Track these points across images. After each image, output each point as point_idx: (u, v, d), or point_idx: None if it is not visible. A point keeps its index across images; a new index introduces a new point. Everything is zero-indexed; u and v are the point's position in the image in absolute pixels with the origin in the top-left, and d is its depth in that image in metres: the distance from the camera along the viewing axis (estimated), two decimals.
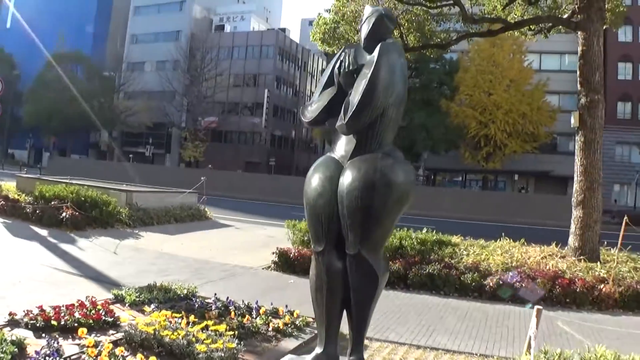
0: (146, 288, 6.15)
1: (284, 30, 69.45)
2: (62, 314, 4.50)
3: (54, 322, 4.39)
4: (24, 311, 4.62)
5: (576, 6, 10.81)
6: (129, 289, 5.88)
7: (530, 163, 45.08)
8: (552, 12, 12.74)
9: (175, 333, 4.24)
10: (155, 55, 62.92)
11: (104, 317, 4.68)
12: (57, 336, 4.12)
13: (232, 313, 5.47)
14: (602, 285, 8.05)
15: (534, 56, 45.41)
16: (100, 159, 61.20)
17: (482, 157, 43.61)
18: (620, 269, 8.69)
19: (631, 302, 7.85)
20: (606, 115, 11.65)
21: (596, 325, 6.67)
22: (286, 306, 5.87)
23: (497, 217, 25.84)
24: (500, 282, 8.21)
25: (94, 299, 5.02)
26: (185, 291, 6.28)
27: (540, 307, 4.91)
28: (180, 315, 4.85)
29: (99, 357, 3.75)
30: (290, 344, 4.91)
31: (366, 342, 4.44)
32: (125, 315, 5.04)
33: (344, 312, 4.00)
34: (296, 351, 4.78)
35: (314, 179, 3.97)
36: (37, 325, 4.37)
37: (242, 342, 4.45)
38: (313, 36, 14.71)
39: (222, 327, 4.60)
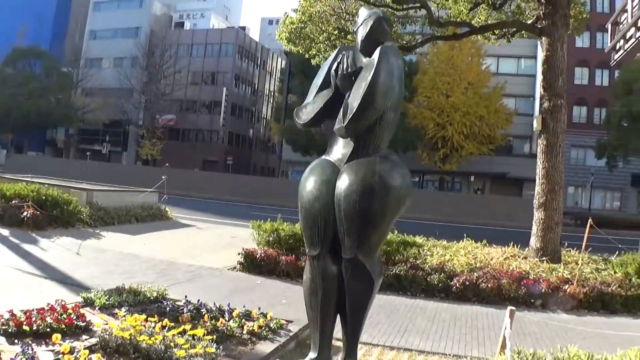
0: (115, 291, 5.98)
1: (243, 28, 68.96)
2: (34, 319, 4.34)
3: (26, 327, 4.21)
4: None
5: (541, 12, 11.04)
6: (97, 292, 5.71)
7: (487, 165, 45.94)
8: (516, 17, 12.98)
9: (152, 338, 4.14)
10: (114, 51, 61.66)
11: (76, 322, 4.52)
12: (30, 342, 3.96)
13: (205, 316, 5.36)
14: (566, 286, 8.26)
15: (492, 60, 46.29)
16: (56, 156, 59.74)
17: (439, 159, 44.35)
18: (582, 270, 8.95)
19: (595, 302, 8.08)
20: None
21: (563, 325, 6.85)
22: (259, 308, 5.81)
23: (454, 218, 26.28)
24: (467, 283, 8.35)
25: (64, 303, 4.85)
26: (155, 294, 6.13)
27: (513, 307, 5.02)
28: (154, 319, 4.74)
29: None
30: (266, 347, 4.84)
31: (339, 343, 4.43)
32: (97, 320, 4.89)
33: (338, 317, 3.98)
34: (273, 354, 4.74)
35: (310, 182, 3.90)
36: (10, 330, 4.19)
37: (220, 347, 4.38)
38: (279, 35, 14.57)
39: (200, 332, 4.51)
